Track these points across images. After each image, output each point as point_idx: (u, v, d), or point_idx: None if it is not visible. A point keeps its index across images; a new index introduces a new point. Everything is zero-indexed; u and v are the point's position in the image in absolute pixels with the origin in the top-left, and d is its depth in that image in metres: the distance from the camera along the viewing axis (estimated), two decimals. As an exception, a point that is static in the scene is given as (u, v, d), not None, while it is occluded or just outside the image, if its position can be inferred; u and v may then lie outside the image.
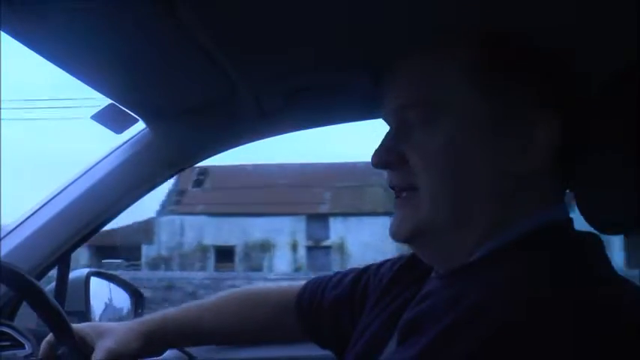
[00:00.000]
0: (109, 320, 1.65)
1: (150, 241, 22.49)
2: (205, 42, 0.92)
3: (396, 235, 0.75)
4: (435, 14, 0.81)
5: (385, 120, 0.80)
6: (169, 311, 1.09)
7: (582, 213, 0.79)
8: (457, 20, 0.77)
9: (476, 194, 0.70)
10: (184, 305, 1.11)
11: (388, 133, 0.77)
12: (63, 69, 1.01)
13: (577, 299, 0.60)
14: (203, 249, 22.21)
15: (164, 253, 22.26)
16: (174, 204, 23.22)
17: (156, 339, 1.04)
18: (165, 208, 22.85)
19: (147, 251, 22.40)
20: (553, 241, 0.69)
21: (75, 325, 1.01)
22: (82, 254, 22.74)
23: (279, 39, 0.92)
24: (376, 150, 0.76)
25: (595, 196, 0.78)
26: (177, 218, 22.47)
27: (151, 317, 1.09)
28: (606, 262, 0.68)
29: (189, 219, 22.08)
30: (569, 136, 0.73)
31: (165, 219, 22.68)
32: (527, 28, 0.74)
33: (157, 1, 0.81)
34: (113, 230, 23.19)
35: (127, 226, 20.86)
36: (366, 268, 0.99)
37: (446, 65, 0.73)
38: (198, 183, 22.94)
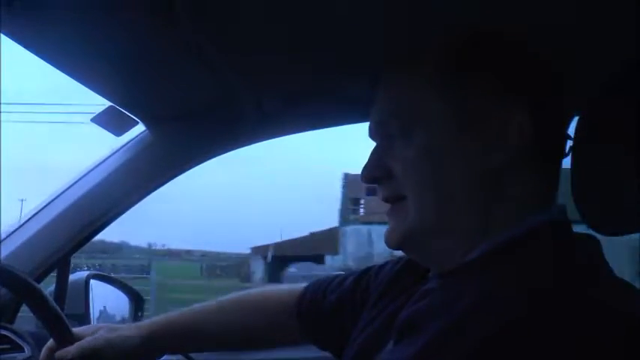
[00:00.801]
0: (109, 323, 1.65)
1: (334, 252, 21.53)
2: (205, 45, 0.92)
3: (388, 242, 0.78)
4: (433, 17, 0.81)
5: (371, 136, 0.82)
6: (172, 315, 1.09)
7: (581, 214, 0.79)
8: (456, 21, 0.78)
9: (458, 197, 0.72)
10: (187, 309, 1.10)
11: (373, 150, 0.79)
12: (63, 71, 1.01)
13: (572, 300, 0.60)
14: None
15: (351, 263, 19.63)
16: (351, 213, 22.58)
17: (155, 342, 1.03)
18: (345, 217, 22.26)
19: (331, 262, 21.00)
20: (548, 242, 0.69)
21: (76, 329, 1.01)
22: (257, 266, 22.30)
23: (278, 43, 0.92)
24: (364, 166, 0.79)
25: (594, 198, 0.78)
26: (363, 227, 21.27)
27: (152, 320, 1.08)
28: (603, 262, 0.69)
29: (378, 228, 19.57)
30: (548, 130, 0.73)
31: (350, 228, 21.77)
32: (527, 28, 0.74)
33: (157, 5, 0.81)
34: (292, 241, 22.90)
35: (305, 237, 20.52)
36: (367, 270, 0.99)
37: (414, 77, 0.76)
38: (372, 191, 22.00)
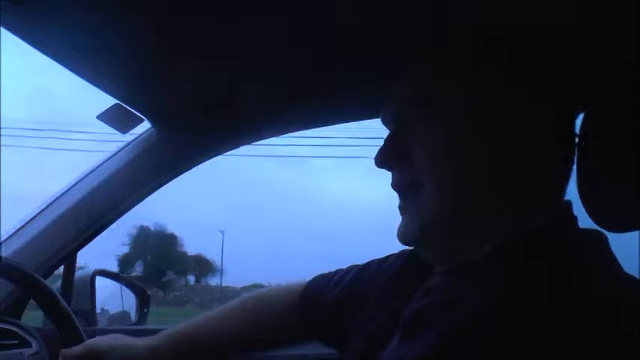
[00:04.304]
0: (113, 318, 1.66)
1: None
2: (210, 44, 0.92)
3: (404, 238, 0.75)
4: (436, 14, 0.81)
5: (384, 121, 0.80)
6: (179, 327, 1.08)
7: (587, 210, 0.79)
8: (457, 20, 0.78)
9: (480, 189, 0.70)
10: (194, 320, 1.10)
11: (390, 134, 0.77)
12: (68, 69, 1.01)
13: (580, 297, 0.60)
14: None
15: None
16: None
17: (159, 354, 1.03)
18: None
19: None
20: (557, 239, 0.69)
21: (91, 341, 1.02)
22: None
23: (282, 40, 0.92)
24: (379, 151, 0.76)
25: (600, 194, 0.78)
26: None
27: (160, 333, 1.08)
28: (611, 258, 0.68)
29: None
30: (568, 128, 0.74)
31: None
32: (527, 28, 0.75)
33: (161, 3, 0.81)
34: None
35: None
36: (368, 264, 0.99)
37: (444, 63, 0.74)
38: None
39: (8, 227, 1.28)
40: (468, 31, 0.76)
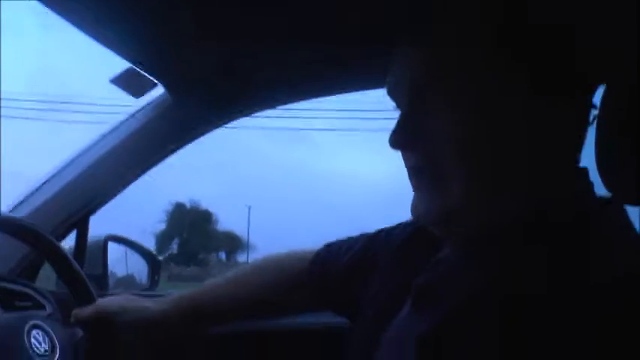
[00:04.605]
0: (126, 283, 1.68)
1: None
2: (228, 10, 0.91)
3: (424, 216, 0.72)
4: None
5: (393, 95, 0.76)
6: (193, 291, 1.08)
7: (605, 183, 0.78)
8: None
9: (503, 168, 0.67)
10: (207, 283, 1.10)
11: (404, 113, 0.73)
12: (83, 31, 1.01)
13: (596, 274, 0.59)
14: None
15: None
16: None
17: (171, 318, 1.03)
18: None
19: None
20: (572, 214, 0.67)
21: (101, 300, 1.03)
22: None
23: (295, 8, 0.90)
24: (394, 130, 0.72)
25: (617, 166, 0.77)
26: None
27: (174, 296, 1.08)
28: (629, 228, 0.67)
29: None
30: (585, 103, 0.72)
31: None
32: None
33: None
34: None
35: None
36: (378, 233, 0.98)
37: (470, 35, 0.69)
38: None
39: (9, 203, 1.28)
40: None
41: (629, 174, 0.76)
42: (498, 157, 0.67)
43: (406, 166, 0.74)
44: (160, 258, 1.67)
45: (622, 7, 0.78)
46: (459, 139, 0.67)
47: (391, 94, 0.76)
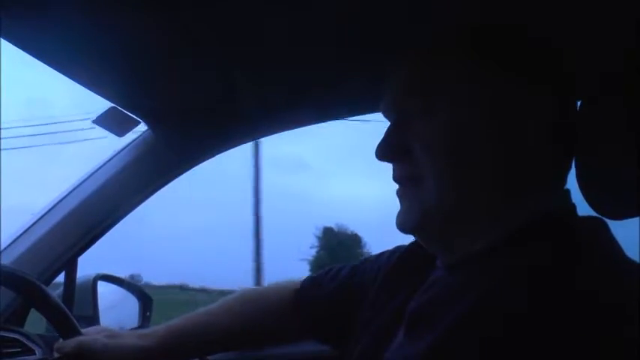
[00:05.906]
0: (118, 324, 1.66)
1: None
2: (206, 42, 0.92)
3: (403, 225, 0.75)
4: (435, 11, 0.81)
5: (385, 114, 0.80)
6: (175, 321, 1.06)
7: (587, 199, 0.79)
8: (456, 18, 0.78)
9: (479, 179, 0.70)
10: (190, 314, 1.08)
11: (390, 127, 0.77)
12: (62, 73, 1.01)
13: (581, 288, 0.60)
14: None
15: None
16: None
17: (155, 351, 1.02)
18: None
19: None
20: (557, 230, 0.69)
21: (84, 329, 1.01)
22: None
23: (280, 38, 0.92)
24: (379, 144, 0.76)
25: (598, 182, 0.78)
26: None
27: (154, 328, 1.07)
28: (612, 243, 0.68)
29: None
30: (566, 116, 0.73)
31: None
32: (527, 27, 0.75)
33: (157, 4, 0.81)
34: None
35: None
36: (363, 261, 0.99)
37: (442, 57, 0.74)
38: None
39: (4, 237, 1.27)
40: (466, 26, 0.75)
41: (610, 189, 0.77)
42: (475, 168, 0.70)
43: (393, 178, 0.77)
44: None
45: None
46: (437, 155, 0.71)
47: (383, 112, 0.81)
